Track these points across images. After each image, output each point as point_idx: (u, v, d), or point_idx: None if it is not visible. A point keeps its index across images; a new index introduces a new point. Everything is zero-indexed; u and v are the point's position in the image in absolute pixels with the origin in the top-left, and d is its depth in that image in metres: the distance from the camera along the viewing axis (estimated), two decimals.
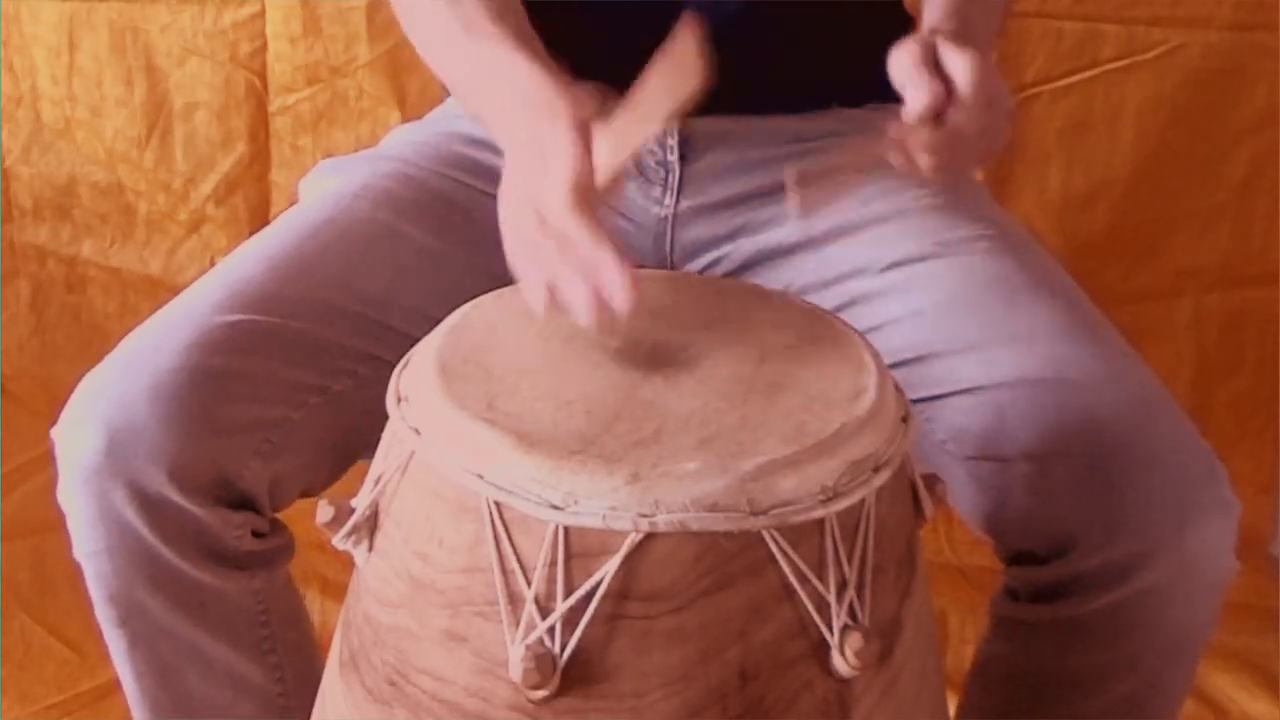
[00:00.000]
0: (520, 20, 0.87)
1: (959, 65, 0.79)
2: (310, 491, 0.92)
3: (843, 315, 0.92)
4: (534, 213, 0.73)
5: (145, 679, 0.92)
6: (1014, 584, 0.91)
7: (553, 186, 0.71)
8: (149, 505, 0.83)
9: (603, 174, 0.72)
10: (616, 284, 0.68)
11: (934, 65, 0.79)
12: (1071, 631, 0.87)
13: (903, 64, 0.80)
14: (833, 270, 0.98)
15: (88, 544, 0.86)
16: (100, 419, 0.82)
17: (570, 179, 0.71)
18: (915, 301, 0.93)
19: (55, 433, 0.85)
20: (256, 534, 0.89)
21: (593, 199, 0.71)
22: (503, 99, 0.82)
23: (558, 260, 0.71)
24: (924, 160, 0.79)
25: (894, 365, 0.89)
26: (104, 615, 0.90)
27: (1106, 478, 0.83)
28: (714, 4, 0.97)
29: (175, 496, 0.82)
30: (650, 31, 0.99)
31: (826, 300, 0.96)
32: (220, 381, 0.84)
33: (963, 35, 0.83)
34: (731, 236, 1.02)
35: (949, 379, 0.90)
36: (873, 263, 0.96)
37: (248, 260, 0.92)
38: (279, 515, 0.92)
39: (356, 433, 0.89)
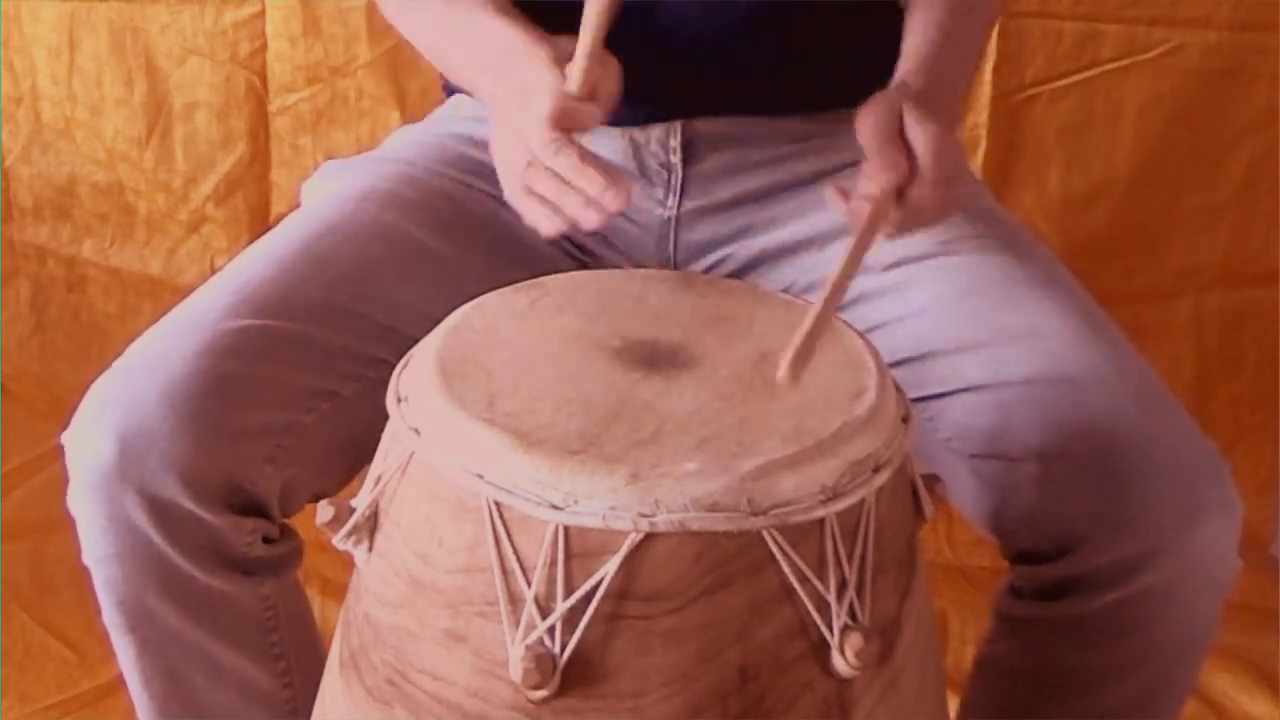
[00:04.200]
0: None
1: (921, 141, 0.82)
2: (321, 496, 0.91)
3: (845, 314, 0.92)
4: (523, 147, 0.80)
5: (153, 684, 0.92)
6: (1018, 582, 0.91)
7: (534, 115, 0.78)
8: (160, 511, 0.83)
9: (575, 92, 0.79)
10: (607, 199, 0.75)
11: (900, 136, 0.83)
12: (1075, 630, 0.87)
13: (869, 130, 0.83)
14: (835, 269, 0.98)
15: (98, 549, 0.86)
16: (112, 425, 0.82)
17: (549, 105, 0.78)
18: (918, 299, 0.93)
19: (65, 438, 0.85)
20: (267, 540, 0.89)
21: (571, 119, 0.78)
22: (484, 58, 0.87)
23: (552, 185, 0.78)
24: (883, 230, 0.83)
25: (897, 363, 0.89)
26: (112, 621, 0.89)
27: (1112, 477, 0.83)
28: (715, 5, 0.98)
29: (187, 503, 0.82)
30: (646, 30, 1.00)
31: None
32: (232, 387, 0.83)
33: (932, 93, 0.86)
34: (735, 237, 1.02)
35: (953, 377, 0.90)
36: (875, 261, 0.96)
37: (256, 264, 0.91)
38: (288, 520, 0.92)
39: (366, 437, 0.89)
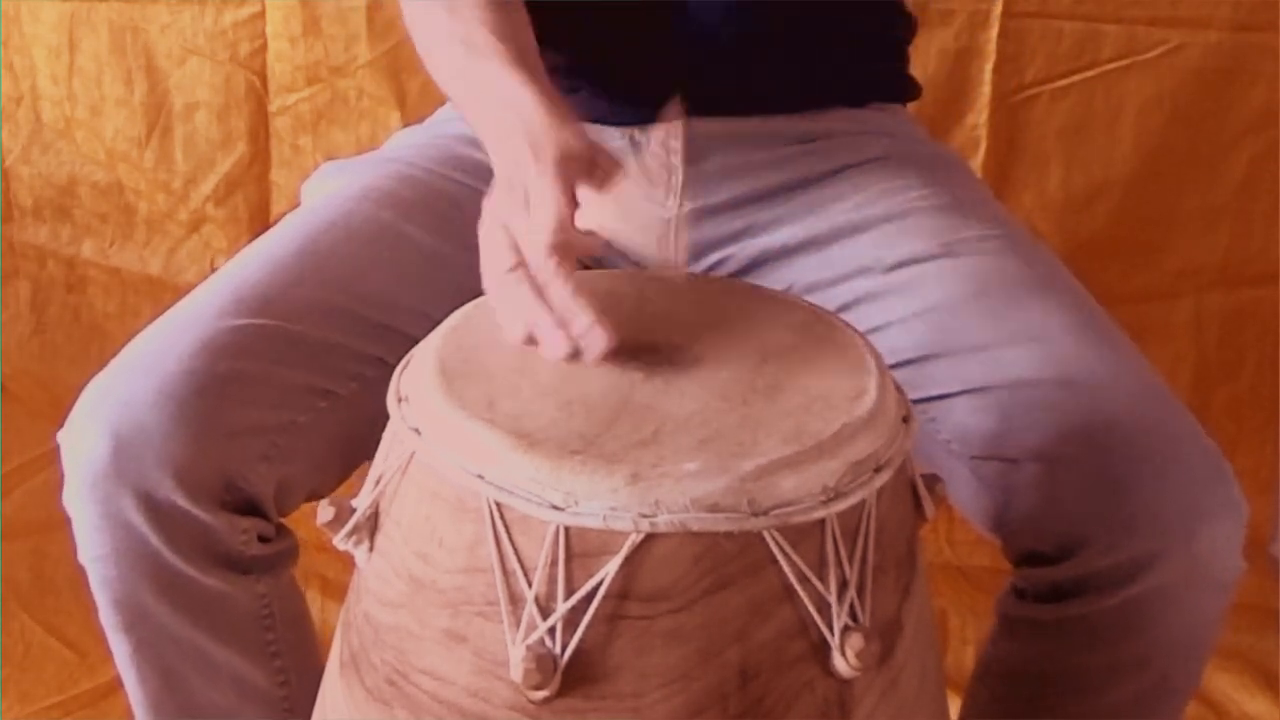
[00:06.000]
0: (521, 35, 0.87)
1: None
2: (316, 495, 0.92)
3: (847, 314, 0.92)
4: (511, 247, 0.73)
5: (149, 683, 0.92)
6: (1021, 584, 0.91)
7: (534, 232, 0.72)
8: (155, 510, 0.83)
9: (583, 224, 0.73)
10: (590, 338, 0.69)
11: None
12: (1078, 631, 0.87)
13: None
14: (837, 270, 0.98)
15: (93, 549, 0.86)
16: (107, 424, 0.82)
17: (551, 227, 0.72)
18: (920, 301, 0.93)
19: (61, 437, 0.85)
20: (262, 538, 0.89)
21: (571, 248, 0.72)
22: (496, 118, 0.81)
23: (533, 303, 0.71)
24: None
25: (899, 365, 0.89)
26: (109, 620, 0.89)
27: (1115, 479, 0.82)
28: (717, 5, 0.98)
29: (182, 501, 0.82)
30: (647, 30, 1.00)
31: (831, 299, 0.95)
32: (227, 386, 0.83)
33: None
34: (736, 238, 1.02)
35: (954, 379, 0.89)
36: (877, 262, 0.96)
37: (253, 263, 0.91)
38: (284, 519, 0.92)
39: (363, 436, 0.89)
